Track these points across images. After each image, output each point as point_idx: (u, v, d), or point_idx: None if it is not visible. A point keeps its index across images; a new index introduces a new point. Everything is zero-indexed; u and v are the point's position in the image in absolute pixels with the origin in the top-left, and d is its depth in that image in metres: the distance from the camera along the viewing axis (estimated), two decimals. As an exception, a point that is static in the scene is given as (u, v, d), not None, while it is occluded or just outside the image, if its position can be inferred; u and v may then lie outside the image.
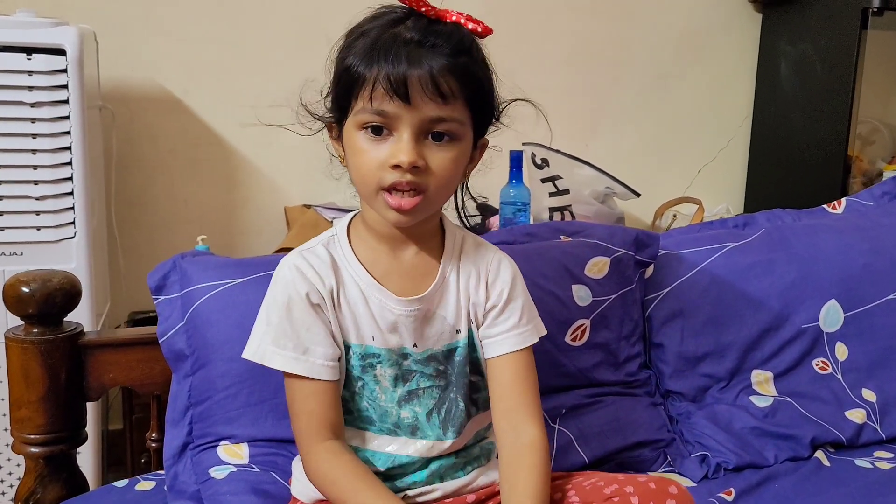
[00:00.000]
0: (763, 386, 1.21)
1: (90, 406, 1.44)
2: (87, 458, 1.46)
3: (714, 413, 1.17)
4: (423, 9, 0.74)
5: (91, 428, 1.46)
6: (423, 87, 0.71)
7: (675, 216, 2.00)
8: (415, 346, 0.83)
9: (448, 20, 0.74)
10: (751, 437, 1.15)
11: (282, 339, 0.78)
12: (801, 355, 1.23)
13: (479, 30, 0.75)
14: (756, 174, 2.25)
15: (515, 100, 0.82)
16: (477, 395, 0.87)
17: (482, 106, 0.77)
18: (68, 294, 0.98)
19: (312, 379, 0.78)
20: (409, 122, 0.72)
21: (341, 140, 0.79)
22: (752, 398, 1.20)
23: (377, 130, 0.74)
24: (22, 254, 1.38)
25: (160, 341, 1.00)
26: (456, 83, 0.72)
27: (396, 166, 0.72)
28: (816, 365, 1.24)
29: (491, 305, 0.84)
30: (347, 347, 0.81)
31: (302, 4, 1.78)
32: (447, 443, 0.85)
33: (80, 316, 1.42)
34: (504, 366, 0.84)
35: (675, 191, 2.15)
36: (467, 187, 0.87)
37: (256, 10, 1.77)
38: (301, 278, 0.79)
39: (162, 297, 1.02)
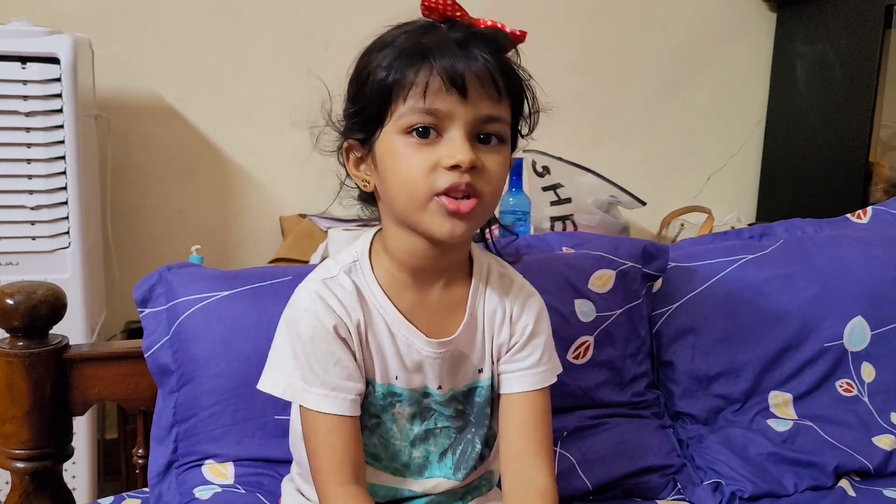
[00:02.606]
0: (782, 408, 1.21)
1: (86, 415, 1.49)
2: (81, 468, 1.51)
3: (728, 437, 1.17)
4: (458, 13, 0.72)
5: (86, 437, 1.51)
6: (480, 80, 0.69)
7: (682, 225, 2.00)
8: (439, 387, 0.82)
9: (483, 25, 0.73)
10: (768, 463, 1.13)
11: (310, 377, 0.75)
12: (823, 376, 1.22)
13: (518, 33, 0.74)
14: (769, 182, 2.23)
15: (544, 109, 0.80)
16: (491, 436, 0.87)
17: (520, 113, 0.77)
18: (53, 306, 1.01)
19: (340, 416, 0.75)
20: (463, 120, 0.70)
21: (370, 160, 0.76)
22: (770, 422, 1.19)
23: (424, 133, 0.70)
24: (17, 263, 1.43)
25: (145, 356, 1.03)
26: (505, 82, 0.72)
27: (454, 167, 0.69)
28: (840, 386, 1.23)
29: (514, 343, 0.83)
30: (369, 383, 0.80)
31: (300, 13, 1.82)
32: (453, 483, 0.85)
33: (74, 326, 1.47)
34: (521, 405, 0.82)
35: (683, 199, 2.15)
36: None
37: (254, 19, 1.81)
38: (327, 310, 0.76)
39: (147, 310, 1.05)
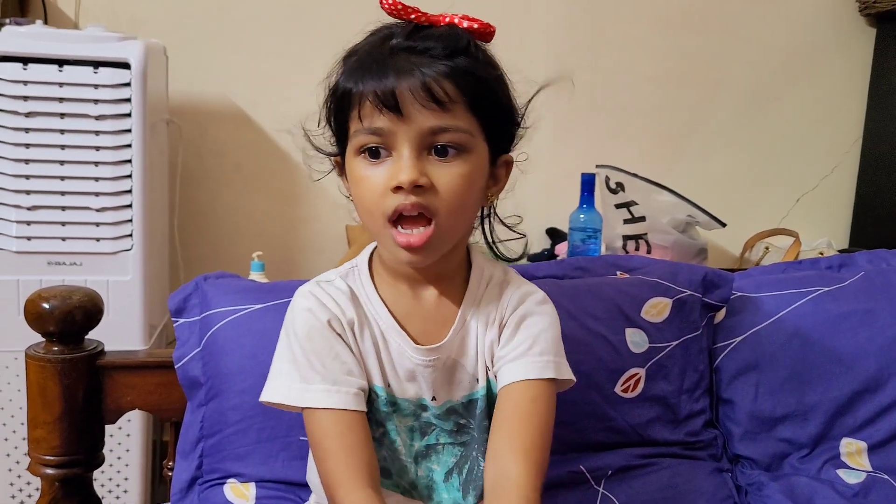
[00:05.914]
0: (854, 458, 1.01)
1: (140, 417, 1.44)
2: (134, 470, 1.44)
3: (792, 486, 0.98)
4: (413, 16, 0.66)
5: (142, 438, 1.45)
6: (414, 95, 0.63)
7: (767, 249, 1.78)
8: (433, 398, 0.73)
9: (441, 23, 0.66)
10: (837, 518, 0.95)
11: (309, 374, 0.68)
12: (904, 425, 1.03)
13: (476, 27, 0.66)
14: (865, 206, 1.95)
15: (535, 94, 0.71)
16: None
17: (492, 113, 0.67)
18: (88, 312, 0.93)
19: (348, 410, 0.68)
20: (407, 137, 0.64)
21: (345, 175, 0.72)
22: (841, 472, 1.00)
23: (375, 153, 0.66)
24: (81, 264, 1.37)
25: (176, 367, 0.93)
26: (453, 87, 0.63)
27: (398, 188, 0.64)
28: (925, 437, 1.03)
29: (503, 336, 0.73)
30: (371, 389, 0.72)
31: (372, 21, 1.72)
32: None
33: (133, 327, 1.41)
34: (505, 396, 0.70)
35: (769, 221, 1.90)
36: (495, 212, 0.75)
37: (325, 27, 1.71)
38: (320, 307, 0.71)
39: (181, 321, 0.96)
